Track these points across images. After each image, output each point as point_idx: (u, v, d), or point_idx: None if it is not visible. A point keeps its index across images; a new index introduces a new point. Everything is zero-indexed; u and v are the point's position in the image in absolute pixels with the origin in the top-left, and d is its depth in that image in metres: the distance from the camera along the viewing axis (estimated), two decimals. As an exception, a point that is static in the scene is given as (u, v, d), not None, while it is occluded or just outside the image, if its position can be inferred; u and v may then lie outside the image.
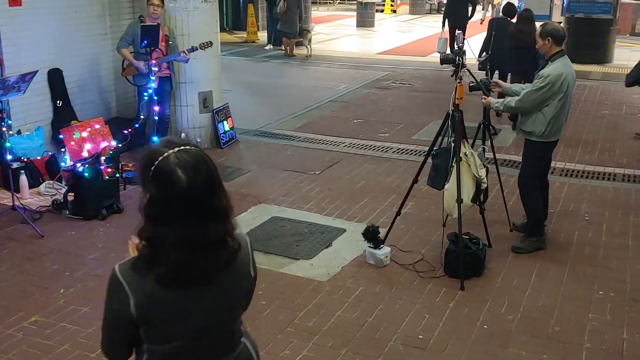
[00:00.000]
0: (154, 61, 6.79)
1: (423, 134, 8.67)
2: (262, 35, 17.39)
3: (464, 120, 5.02)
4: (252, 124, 9.12)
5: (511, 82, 7.76)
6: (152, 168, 1.82)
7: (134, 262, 1.89)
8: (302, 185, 6.83)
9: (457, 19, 13.01)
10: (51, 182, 6.43)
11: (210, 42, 7.06)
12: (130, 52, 6.97)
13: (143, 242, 1.85)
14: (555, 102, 4.96)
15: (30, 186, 6.29)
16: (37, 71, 5.71)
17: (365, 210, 6.14)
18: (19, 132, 6.57)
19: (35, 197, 6.23)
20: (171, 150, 1.82)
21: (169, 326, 1.92)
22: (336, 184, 6.86)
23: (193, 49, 6.93)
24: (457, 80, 4.94)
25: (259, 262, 5.26)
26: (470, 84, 5.23)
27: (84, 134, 5.66)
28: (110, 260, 5.10)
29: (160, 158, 1.81)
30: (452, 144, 4.91)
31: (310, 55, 15.17)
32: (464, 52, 5.00)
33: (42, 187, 6.37)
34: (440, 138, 5.11)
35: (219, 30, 8.00)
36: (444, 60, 5.06)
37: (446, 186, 4.90)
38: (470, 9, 13.19)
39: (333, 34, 20.06)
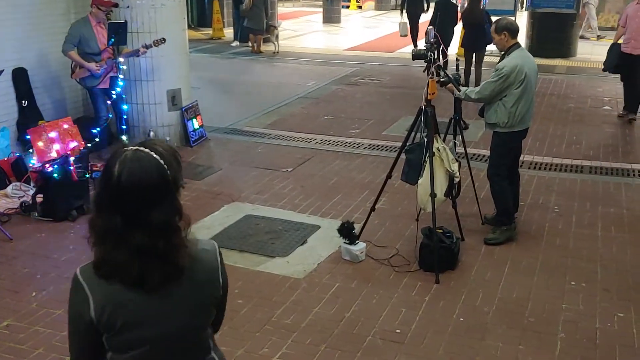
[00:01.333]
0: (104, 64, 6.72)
1: (393, 130, 8.72)
2: (228, 32, 17.28)
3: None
4: (222, 121, 9.06)
5: (465, 56, 10.79)
6: (107, 159, 1.83)
7: (94, 263, 1.85)
8: (274, 183, 6.80)
9: (414, 10, 14.99)
10: (18, 183, 6.29)
11: (163, 38, 6.92)
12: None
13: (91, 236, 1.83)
14: (514, 92, 5.10)
15: (-3, 188, 6.16)
16: (2, 70, 5.58)
17: (339, 206, 6.15)
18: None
19: (2, 199, 6.09)
20: (133, 148, 1.81)
21: (128, 332, 1.85)
22: (309, 181, 6.85)
23: (147, 46, 6.86)
24: (429, 76, 4.98)
25: (234, 261, 5.26)
26: (442, 79, 5.27)
27: (52, 134, 5.55)
28: (82, 261, 4.97)
29: (119, 151, 1.81)
30: (425, 139, 4.95)
31: (277, 52, 15.12)
32: (436, 48, 5.04)
33: (9, 189, 6.23)
34: (412, 133, 5.13)
35: (186, 27, 7.92)
36: (416, 56, 5.08)
37: (420, 181, 4.94)
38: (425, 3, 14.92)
39: (300, 30, 20.04)
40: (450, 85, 5.35)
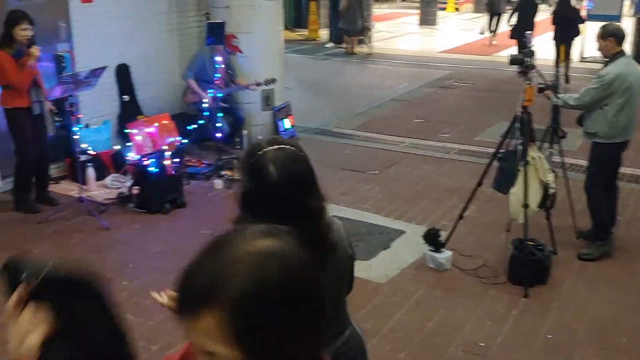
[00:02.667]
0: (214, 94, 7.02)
1: (486, 135, 8.50)
2: (323, 33, 17.40)
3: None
4: (312, 122, 9.13)
5: (556, 48, 11.39)
6: (250, 161, 1.90)
7: None
8: (360, 185, 6.79)
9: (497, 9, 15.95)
10: (117, 175, 6.59)
11: (274, 79, 7.28)
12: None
13: None
14: (616, 101, 4.87)
15: (97, 179, 6.46)
16: (106, 66, 5.86)
17: (425, 212, 6.06)
18: (87, 126, 6.75)
19: (101, 189, 6.40)
20: (271, 147, 1.88)
21: None
22: (396, 185, 6.79)
23: (258, 84, 7.15)
24: (526, 82, 4.81)
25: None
26: (539, 86, 5.09)
27: (151, 129, 5.76)
28: (173, 254, 5.19)
29: (259, 153, 1.88)
30: (520, 147, 4.78)
31: (371, 53, 15.09)
32: (534, 53, 4.86)
33: (107, 180, 6.54)
34: (506, 140, 4.98)
35: (283, 28, 8.03)
36: (513, 61, 4.92)
37: (512, 190, 4.78)
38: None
39: (394, 32, 19.90)
40: (547, 91, 5.15)
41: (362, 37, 15.40)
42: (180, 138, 6.21)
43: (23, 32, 5.36)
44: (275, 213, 1.82)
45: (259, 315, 0.95)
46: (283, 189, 1.84)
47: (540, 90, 5.11)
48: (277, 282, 0.96)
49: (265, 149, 1.88)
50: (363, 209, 6.15)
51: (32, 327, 0.97)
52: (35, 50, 5.40)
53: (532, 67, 4.81)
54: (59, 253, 5.12)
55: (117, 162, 6.78)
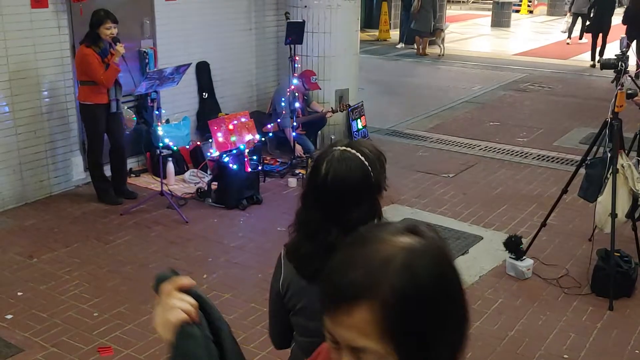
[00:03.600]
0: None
1: (565, 141, 8.25)
2: (394, 34, 17.29)
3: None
4: (384, 122, 9.08)
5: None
6: (314, 160, 1.93)
7: (286, 245, 2.01)
8: (435, 188, 6.70)
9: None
10: (195, 170, 6.72)
11: (348, 104, 7.41)
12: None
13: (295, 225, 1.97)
14: None
15: (176, 173, 6.61)
16: (190, 63, 5.97)
17: (504, 218, 5.92)
18: (167, 121, 6.91)
19: (180, 184, 6.54)
20: (341, 148, 1.87)
21: (304, 318, 1.97)
22: (471, 189, 6.67)
23: (334, 111, 7.28)
24: (618, 87, 4.63)
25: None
26: (628, 92, 4.89)
27: (231, 126, 5.85)
28: (250, 249, 5.26)
29: (324, 152, 1.90)
30: (608, 154, 4.62)
31: (443, 55, 14.90)
32: (627, 58, 4.69)
33: (186, 175, 6.68)
34: (594, 147, 4.81)
35: (359, 29, 8.02)
36: (604, 66, 4.75)
37: (599, 199, 4.62)
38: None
39: (466, 34, 19.58)
40: (638, 97, 4.96)
41: (434, 38, 15.23)
42: (259, 136, 6.27)
43: (107, 30, 5.51)
44: (319, 212, 1.85)
45: (415, 311, 0.94)
46: (327, 190, 1.83)
47: (630, 96, 4.91)
48: (431, 279, 0.96)
49: (335, 149, 1.87)
50: (438, 212, 6.07)
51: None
52: (121, 47, 5.55)
53: (625, 71, 4.64)
54: (141, 244, 5.26)
55: (195, 158, 6.92)
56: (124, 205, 5.91)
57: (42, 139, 5.92)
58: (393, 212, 6.04)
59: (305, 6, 7.45)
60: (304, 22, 6.80)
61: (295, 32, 6.69)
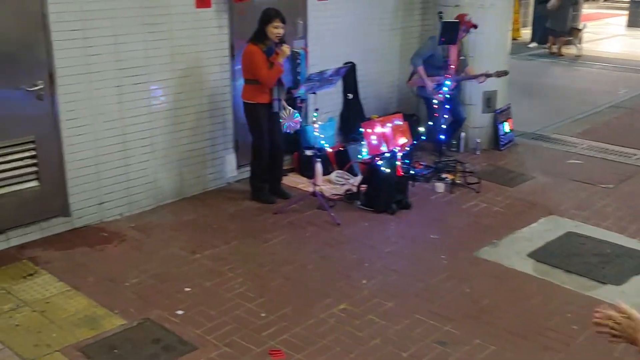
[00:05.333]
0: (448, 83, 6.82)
1: None
2: (524, 32, 16.61)
3: None
4: (527, 126, 8.67)
5: None
6: None
7: None
8: (595, 200, 6.29)
9: None
10: (341, 171, 6.66)
11: (506, 71, 6.92)
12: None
13: None
14: None
15: (322, 174, 6.57)
16: (351, 64, 5.88)
17: (679, 236, 5.45)
18: (314, 122, 6.88)
19: (327, 184, 6.50)
20: None
21: None
22: (636, 202, 6.21)
23: (488, 75, 6.85)
24: None
25: (561, 281, 4.92)
26: None
27: (385, 129, 5.73)
28: (405, 256, 5.12)
29: None
30: None
31: (580, 55, 14.15)
32: None
33: (332, 176, 6.63)
34: None
35: (510, 29, 7.68)
36: None
37: None
38: None
39: (600, 34, 18.51)
40: None
41: (570, 38, 14.50)
42: (412, 139, 6.12)
43: (275, 29, 5.53)
44: None
45: None
46: None
47: None
48: None
49: None
50: (602, 226, 5.68)
51: None
52: (286, 48, 5.54)
53: None
54: (297, 244, 5.25)
55: (340, 159, 6.87)
56: (276, 204, 5.94)
57: (201, 136, 6.05)
58: (553, 224, 5.72)
59: (457, 5, 7.21)
60: (458, 21, 6.56)
61: (449, 32, 6.46)
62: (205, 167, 6.17)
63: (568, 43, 14.56)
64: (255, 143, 5.91)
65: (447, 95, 6.72)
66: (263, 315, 4.23)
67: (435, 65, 6.92)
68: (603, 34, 18.47)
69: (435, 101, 6.78)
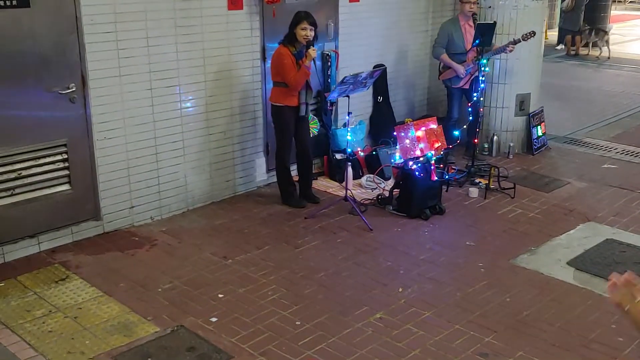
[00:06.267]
0: (470, 63, 6.65)
1: None
2: (551, 35, 16.39)
3: None
4: (559, 129, 8.52)
5: None
6: None
7: None
8: (633, 206, 6.12)
9: None
10: (371, 175, 6.56)
11: (533, 32, 6.60)
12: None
13: None
14: None
15: (352, 178, 6.47)
16: (384, 67, 5.78)
17: None
18: (344, 126, 6.80)
19: (357, 188, 6.40)
20: None
21: None
22: (676, 209, 6.03)
23: (515, 42, 6.59)
24: None
25: (602, 290, 4.77)
26: None
27: (419, 133, 5.61)
28: (440, 263, 5.00)
29: None
30: None
31: (609, 57, 13.93)
32: None
33: (363, 180, 6.53)
34: None
35: (545, 30, 7.52)
36: None
37: None
38: None
39: (628, 35, 18.25)
40: None
41: (596, 40, 14.31)
42: (447, 144, 6.00)
43: (303, 31, 5.44)
44: None
45: None
46: None
47: None
48: None
49: None
50: (644, 234, 5.52)
51: None
52: (313, 51, 5.46)
53: None
54: (329, 250, 5.15)
55: (370, 163, 6.77)
56: (307, 208, 5.85)
57: (231, 140, 5.98)
58: (591, 231, 5.57)
59: (490, 7, 7.08)
60: (495, 23, 6.43)
61: (484, 34, 6.33)
62: (235, 171, 6.10)
63: (594, 45, 14.43)
64: (278, 146, 5.84)
65: (481, 77, 6.59)
66: (298, 323, 4.14)
67: (455, 52, 6.77)
68: (630, 36, 18.19)
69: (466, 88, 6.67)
